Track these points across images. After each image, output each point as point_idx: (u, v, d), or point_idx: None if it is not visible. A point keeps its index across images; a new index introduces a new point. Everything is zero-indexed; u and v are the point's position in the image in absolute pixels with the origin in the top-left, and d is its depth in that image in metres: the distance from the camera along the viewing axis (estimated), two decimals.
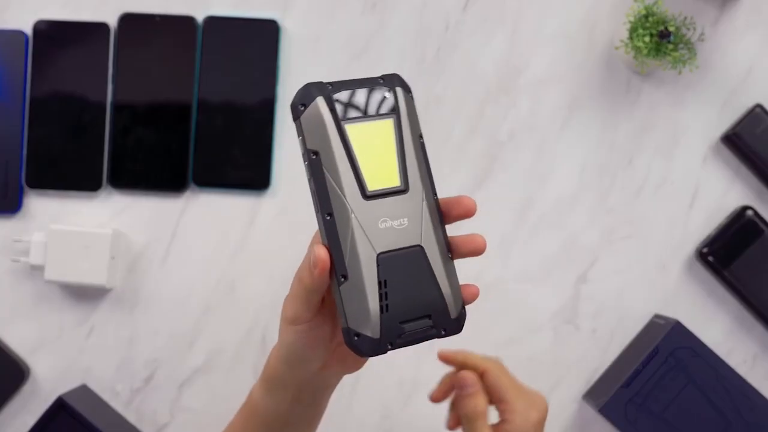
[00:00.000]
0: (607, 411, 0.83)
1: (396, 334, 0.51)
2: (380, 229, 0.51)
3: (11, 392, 0.88)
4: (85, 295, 0.89)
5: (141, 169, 0.89)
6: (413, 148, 0.53)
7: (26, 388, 0.89)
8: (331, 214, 0.51)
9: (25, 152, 0.89)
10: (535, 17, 0.89)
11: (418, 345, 0.94)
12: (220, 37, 0.89)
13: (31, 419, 0.85)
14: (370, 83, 0.53)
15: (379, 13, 0.89)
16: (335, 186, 0.51)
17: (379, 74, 0.54)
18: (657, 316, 0.88)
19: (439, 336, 0.52)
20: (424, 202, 0.53)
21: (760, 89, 0.88)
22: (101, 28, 0.89)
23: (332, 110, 0.51)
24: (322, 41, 0.90)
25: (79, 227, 0.87)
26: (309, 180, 0.52)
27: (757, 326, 0.88)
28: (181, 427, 0.90)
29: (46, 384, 0.89)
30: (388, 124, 0.52)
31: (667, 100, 0.89)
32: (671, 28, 0.83)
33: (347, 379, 0.89)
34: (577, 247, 0.89)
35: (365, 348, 0.51)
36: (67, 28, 0.89)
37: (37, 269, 0.88)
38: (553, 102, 0.89)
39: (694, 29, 0.86)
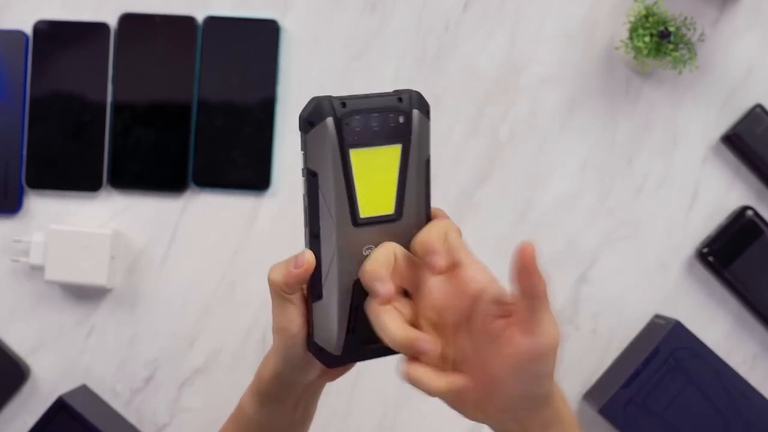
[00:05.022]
0: (607, 411, 0.83)
1: (357, 353, 0.53)
2: (363, 256, 0.51)
3: (11, 392, 0.88)
4: (85, 295, 0.89)
5: (141, 169, 0.89)
6: (416, 176, 0.52)
7: (26, 388, 0.89)
8: (317, 235, 0.51)
9: (25, 152, 0.89)
10: (534, 17, 0.89)
11: None
12: (220, 37, 0.89)
13: (31, 419, 0.85)
14: (386, 103, 0.51)
15: (378, 14, 0.89)
16: (327, 209, 0.51)
17: (398, 89, 0.52)
18: (657, 317, 0.88)
19: (397, 353, 0.53)
20: (414, 231, 0.52)
21: (760, 89, 0.88)
22: (101, 28, 0.89)
23: (340, 134, 0.50)
24: (322, 41, 0.90)
25: (79, 227, 0.87)
26: (303, 195, 0.51)
27: (757, 326, 0.88)
28: (181, 427, 0.90)
29: (46, 384, 0.89)
30: (396, 150, 0.51)
31: (667, 100, 0.89)
32: (671, 28, 0.83)
33: (347, 379, 0.89)
34: (577, 248, 0.89)
35: (326, 361, 0.53)
36: (67, 28, 0.89)
37: (37, 269, 0.88)
38: (553, 102, 0.89)
39: (694, 29, 0.86)
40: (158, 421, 0.90)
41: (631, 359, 0.86)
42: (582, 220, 0.89)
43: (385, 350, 0.53)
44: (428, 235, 0.51)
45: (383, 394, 0.89)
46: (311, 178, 0.51)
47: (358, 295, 0.52)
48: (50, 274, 0.86)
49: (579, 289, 0.89)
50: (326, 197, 0.50)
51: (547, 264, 0.89)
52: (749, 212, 0.87)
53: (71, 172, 0.89)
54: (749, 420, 0.83)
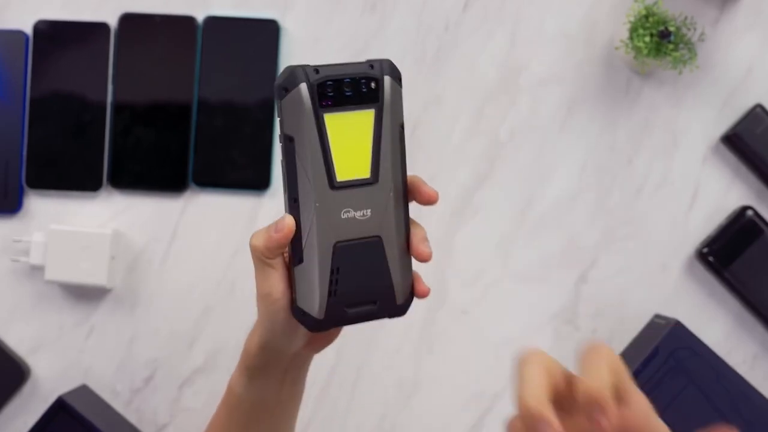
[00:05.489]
0: None
1: (340, 316, 0.54)
2: (342, 219, 0.53)
3: (11, 392, 0.88)
4: (85, 295, 0.89)
5: (141, 169, 0.89)
6: (390, 140, 0.54)
7: (26, 388, 0.89)
8: (296, 200, 0.53)
9: (25, 152, 0.89)
10: (534, 17, 0.89)
11: (419, 346, 0.94)
12: (220, 37, 0.89)
13: (31, 419, 0.85)
14: (358, 69, 0.54)
15: (378, 14, 0.89)
16: (304, 174, 0.52)
17: (370, 59, 0.54)
18: (657, 316, 0.88)
19: (381, 318, 0.55)
20: (392, 194, 0.54)
21: (760, 89, 0.88)
22: (101, 28, 0.89)
23: (313, 98, 0.52)
24: (322, 41, 0.90)
25: (79, 227, 0.87)
26: (281, 161, 0.53)
27: (757, 326, 0.88)
28: (181, 427, 0.90)
29: (46, 384, 0.89)
30: (369, 114, 0.53)
31: (667, 100, 0.89)
32: (671, 28, 0.83)
33: (347, 378, 0.89)
34: (577, 247, 0.89)
35: (310, 326, 0.54)
36: (67, 28, 0.89)
37: (37, 269, 0.88)
38: (553, 102, 0.89)
39: (694, 29, 0.86)
40: (158, 421, 0.90)
41: (631, 359, 0.86)
42: (582, 220, 0.89)
43: (366, 314, 0.55)
44: (597, 380, 0.42)
45: (383, 394, 0.89)
46: (288, 143, 0.53)
47: (338, 257, 0.53)
48: (50, 274, 0.86)
49: (579, 289, 0.89)
50: (303, 161, 0.52)
51: (547, 263, 0.90)
52: (749, 212, 0.87)
53: (71, 172, 0.89)
54: (749, 420, 0.83)
